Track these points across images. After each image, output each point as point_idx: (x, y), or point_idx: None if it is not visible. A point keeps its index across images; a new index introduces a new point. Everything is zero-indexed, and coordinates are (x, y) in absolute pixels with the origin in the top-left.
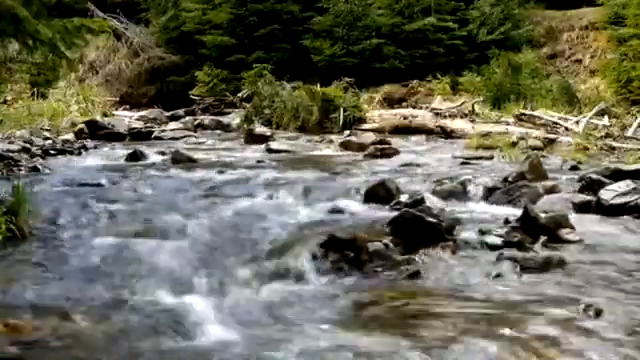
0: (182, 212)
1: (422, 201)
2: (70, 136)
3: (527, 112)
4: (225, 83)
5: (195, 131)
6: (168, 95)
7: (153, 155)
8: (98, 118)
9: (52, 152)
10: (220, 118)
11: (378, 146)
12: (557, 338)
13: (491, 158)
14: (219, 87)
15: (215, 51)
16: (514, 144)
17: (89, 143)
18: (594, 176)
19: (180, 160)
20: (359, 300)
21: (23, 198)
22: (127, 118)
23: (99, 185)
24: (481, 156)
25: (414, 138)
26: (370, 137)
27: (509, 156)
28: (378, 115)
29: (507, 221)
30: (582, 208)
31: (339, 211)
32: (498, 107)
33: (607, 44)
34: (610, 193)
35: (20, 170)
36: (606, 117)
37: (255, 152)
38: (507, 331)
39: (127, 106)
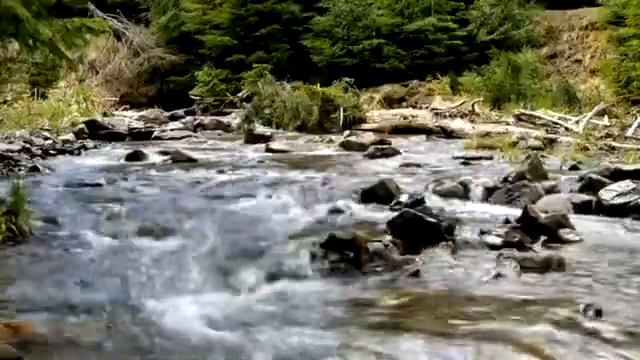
0: (182, 212)
1: (422, 201)
2: (70, 136)
3: (527, 112)
4: (225, 83)
5: (195, 131)
6: (168, 95)
7: (153, 155)
8: (98, 118)
9: (52, 152)
10: (220, 118)
11: (378, 146)
12: (557, 338)
13: (491, 158)
14: (219, 87)
15: (215, 51)
16: (514, 144)
17: (89, 143)
18: (594, 176)
19: (180, 160)
20: (359, 300)
21: (23, 198)
22: (127, 118)
23: (99, 185)
24: (481, 156)
25: (414, 138)
26: (370, 137)
27: (509, 156)
28: (378, 115)
29: (507, 221)
30: (582, 208)
31: (339, 211)
32: (498, 107)
33: (607, 44)
34: (610, 193)
35: (20, 170)
36: (606, 117)
37: (255, 152)
38: (507, 331)
39: (127, 106)
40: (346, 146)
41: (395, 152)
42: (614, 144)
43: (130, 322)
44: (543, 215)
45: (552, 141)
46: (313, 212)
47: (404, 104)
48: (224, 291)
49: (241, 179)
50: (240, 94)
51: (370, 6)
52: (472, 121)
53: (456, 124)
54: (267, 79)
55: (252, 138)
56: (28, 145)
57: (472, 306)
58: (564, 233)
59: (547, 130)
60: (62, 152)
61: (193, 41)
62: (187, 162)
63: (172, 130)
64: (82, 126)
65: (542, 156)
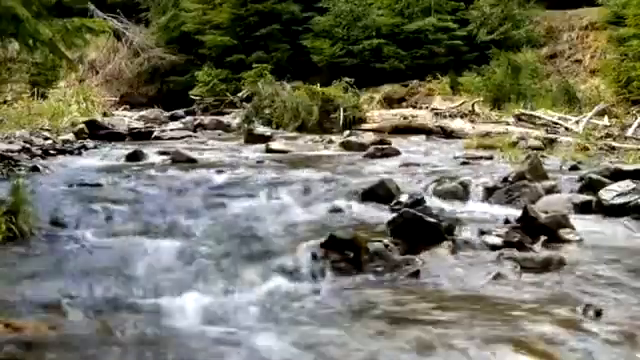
0: (182, 212)
1: (422, 201)
2: (70, 136)
3: (527, 112)
4: (225, 83)
5: (195, 131)
6: (168, 95)
7: (153, 155)
8: (98, 118)
9: (52, 152)
10: (220, 118)
11: (378, 146)
12: (557, 338)
13: (491, 158)
14: (219, 87)
15: (215, 51)
16: (514, 144)
17: (89, 143)
18: (594, 176)
19: (180, 160)
20: (359, 300)
21: (23, 198)
22: (127, 118)
23: (99, 185)
24: (481, 156)
25: (414, 138)
26: (370, 137)
27: (509, 156)
28: (378, 115)
29: (507, 221)
30: (582, 208)
31: (339, 211)
32: (498, 107)
33: (607, 44)
34: (610, 193)
35: (20, 170)
36: (606, 117)
37: (255, 152)
38: (507, 331)
39: (127, 106)
40: (346, 146)
41: (395, 152)
42: (614, 144)
43: (130, 322)
44: (543, 215)
45: (552, 141)
46: (313, 212)
47: (404, 104)
48: (224, 291)
49: (241, 179)
50: (240, 94)
51: (370, 6)
52: (472, 121)
53: (456, 124)
54: (267, 79)
55: (252, 138)
56: (28, 145)
57: (472, 306)
58: (564, 233)
59: (547, 130)
60: (62, 152)
61: (193, 41)
62: (187, 162)
63: (172, 130)
64: (82, 126)
65: (542, 156)
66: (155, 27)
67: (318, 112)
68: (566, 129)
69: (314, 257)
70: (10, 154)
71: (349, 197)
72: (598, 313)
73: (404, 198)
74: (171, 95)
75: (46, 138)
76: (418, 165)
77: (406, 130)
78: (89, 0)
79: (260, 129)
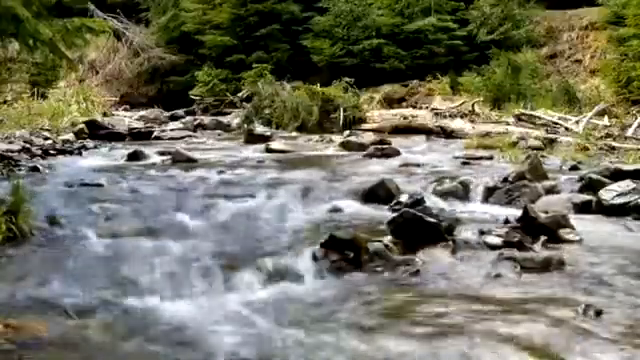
0: (182, 212)
1: (422, 201)
2: (70, 136)
3: (527, 112)
4: (225, 83)
5: (195, 131)
6: (168, 95)
7: (153, 155)
8: (98, 118)
9: (52, 152)
10: (220, 118)
11: (378, 146)
12: (557, 338)
13: (491, 158)
14: (219, 87)
15: (215, 51)
16: (514, 144)
17: (89, 143)
18: (594, 176)
19: (180, 160)
20: (359, 300)
21: (23, 198)
22: (127, 118)
23: (99, 185)
24: (481, 156)
25: (414, 138)
26: (370, 137)
27: (509, 156)
28: (378, 115)
29: (507, 221)
30: (582, 208)
31: (339, 211)
32: (498, 107)
33: (607, 44)
34: (610, 193)
35: (20, 170)
36: (606, 117)
37: (255, 152)
38: (507, 331)
39: (127, 106)
40: (346, 146)
41: (395, 152)
42: (614, 144)
43: (130, 322)
44: (543, 215)
45: (552, 141)
46: (313, 212)
47: (404, 104)
48: (223, 291)
49: (241, 179)
50: (240, 94)
51: (370, 6)
52: (472, 121)
53: (456, 124)
54: (267, 79)
55: (252, 138)
56: (28, 145)
57: (472, 306)
58: (564, 233)
59: (547, 130)
60: (62, 152)
61: (193, 41)
62: (187, 162)
63: (172, 130)
64: (82, 126)
65: (542, 156)
66: (155, 27)
67: (318, 112)
68: (566, 129)
69: (314, 257)
70: (10, 154)
71: (349, 197)
72: (598, 313)
73: (404, 198)
74: (171, 95)
75: (46, 138)
76: (418, 165)
77: (406, 130)
78: (89, 0)
79: (260, 129)
